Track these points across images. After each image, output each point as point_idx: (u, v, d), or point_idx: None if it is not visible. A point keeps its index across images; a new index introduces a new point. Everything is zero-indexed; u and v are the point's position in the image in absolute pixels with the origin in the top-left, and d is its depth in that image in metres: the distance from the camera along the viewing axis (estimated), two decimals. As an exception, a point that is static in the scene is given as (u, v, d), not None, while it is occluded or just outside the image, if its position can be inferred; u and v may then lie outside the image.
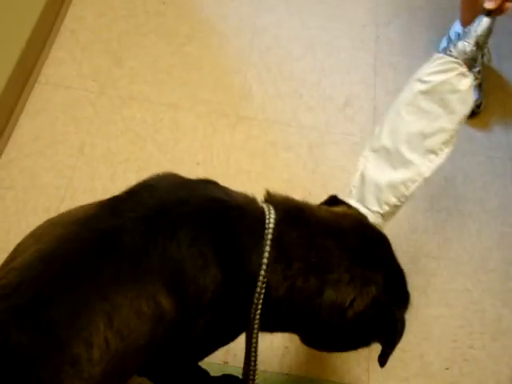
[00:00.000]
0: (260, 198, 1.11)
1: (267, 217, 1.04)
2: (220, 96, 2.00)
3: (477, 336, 1.61)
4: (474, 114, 1.96)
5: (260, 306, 1.02)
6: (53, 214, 1.67)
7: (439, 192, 1.85)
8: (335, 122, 1.98)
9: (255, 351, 1.09)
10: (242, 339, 1.10)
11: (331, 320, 1.06)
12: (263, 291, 1.01)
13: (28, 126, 1.85)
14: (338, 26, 2.23)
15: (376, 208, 1.29)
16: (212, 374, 1.36)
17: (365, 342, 1.15)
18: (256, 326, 1.04)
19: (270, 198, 1.11)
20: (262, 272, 1.00)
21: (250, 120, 1.95)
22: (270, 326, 1.10)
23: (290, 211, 1.08)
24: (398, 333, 1.09)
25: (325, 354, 1.54)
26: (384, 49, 2.18)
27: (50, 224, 1.02)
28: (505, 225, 1.81)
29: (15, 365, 0.83)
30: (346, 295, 1.05)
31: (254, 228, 1.03)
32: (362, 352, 1.55)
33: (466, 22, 1.96)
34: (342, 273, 1.04)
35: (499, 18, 1.28)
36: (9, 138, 1.81)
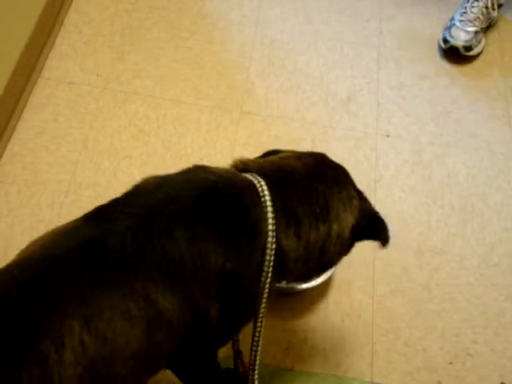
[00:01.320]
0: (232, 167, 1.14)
1: (258, 185, 1.05)
2: (223, 91, 2.00)
3: (480, 330, 1.61)
4: (460, 55, 2.06)
5: (270, 274, 1.03)
6: (56, 209, 1.70)
7: (442, 187, 1.85)
8: (338, 117, 1.98)
9: (262, 319, 1.10)
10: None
11: (334, 247, 1.12)
12: (272, 258, 1.02)
13: (31, 120, 1.85)
14: (342, 21, 2.22)
15: None
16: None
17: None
18: (266, 291, 1.05)
19: (247, 167, 1.12)
20: (270, 239, 1.01)
21: (253, 115, 1.95)
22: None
23: (274, 173, 1.10)
24: (386, 230, 1.18)
25: (328, 348, 1.54)
26: (387, 43, 2.18)
27: (34, 241, 1.01)
28: (508, 220, 1.81)
29: None
30: (346, 222, 1.11)
31: (253, 201, 1.03)
32: (366, 347, 1.56)
33: None
34: (338, 206, 1.10)
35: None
36: (12, 133, 1.81)
